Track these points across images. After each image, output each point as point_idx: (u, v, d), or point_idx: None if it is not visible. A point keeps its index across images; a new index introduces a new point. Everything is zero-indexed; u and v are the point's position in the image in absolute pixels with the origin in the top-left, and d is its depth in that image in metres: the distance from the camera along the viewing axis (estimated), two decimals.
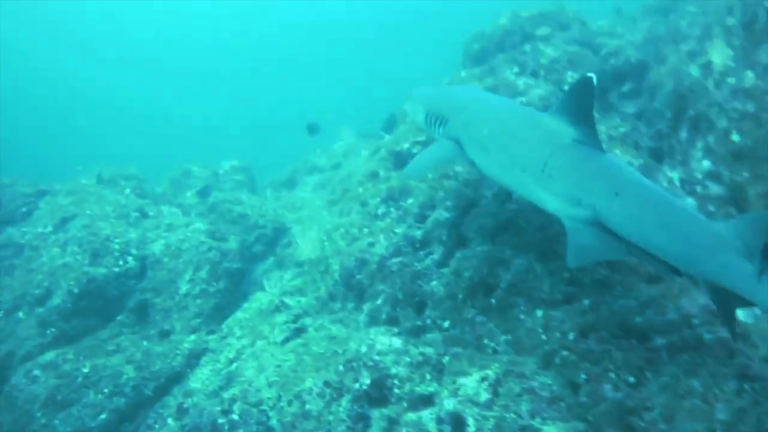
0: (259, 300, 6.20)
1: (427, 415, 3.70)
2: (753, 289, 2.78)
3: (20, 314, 6.08)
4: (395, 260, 4.95)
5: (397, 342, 4.30)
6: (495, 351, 4.06)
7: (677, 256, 3.02)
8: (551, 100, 5.57)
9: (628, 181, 3.20)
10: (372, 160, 6.58)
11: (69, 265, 6.31)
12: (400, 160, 6.04)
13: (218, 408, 4.66)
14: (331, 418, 3.92)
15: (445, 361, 4.07)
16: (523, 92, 5.96)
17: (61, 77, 43.99)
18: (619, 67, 6.16)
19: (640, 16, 8.37)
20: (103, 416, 5.16)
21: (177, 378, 5.47)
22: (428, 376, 3.98)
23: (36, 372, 5.39)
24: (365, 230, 5.46)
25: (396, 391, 3.91)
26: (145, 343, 5.81)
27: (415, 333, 4.51)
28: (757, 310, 3.80)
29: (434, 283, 4.65)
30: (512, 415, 3.44)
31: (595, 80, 3.23)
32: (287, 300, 5.96)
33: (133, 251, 6.64)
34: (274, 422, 4.27)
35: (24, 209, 7.66)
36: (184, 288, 6.33)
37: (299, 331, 5.27)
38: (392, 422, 3.76)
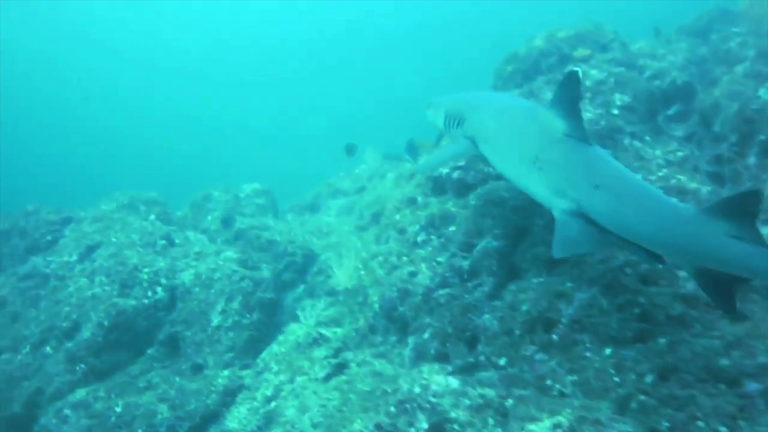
0: (295, 332, 5.96)
1: None
2: (748, 264, 2.84)
3: (48, 348, 5.88)
4: (443, 291, 4.75)
5: (454, 382, 4.03)
6: (562, 393, 3.78)
7: (660, 244, 3.14)
8: (601, 123, 5.36)
9: (608, 174, 3.33)
10: (408, 185, 6.37)
11: (98, 296, 6.12)
12: (439, 185, 5.82)
13: None
14: None
15: (507, 404, 3.78)
16: None
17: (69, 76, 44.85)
18: (665, 89, 5.95)
19: (674, 37, 8.19)
20: None
21: (213, 417, 5.24)
22: (491, 421, 3.69)
23: (66, 411, 5.21)
24: (404, 259, 5.32)
25: None
26: (177, 378, 5.60)
27: (468, 370, 4.23)
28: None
29: (486, 316, 4.40)
30: None
31: (580, 74, 3.40)
32: (324, 331, 5.73)
33: (163, 281, 6.45)
34: None
35: (49, 237, 7.53)
36: (216, 320, 6.10)
37: (341, 367, 5.06)
38: None
